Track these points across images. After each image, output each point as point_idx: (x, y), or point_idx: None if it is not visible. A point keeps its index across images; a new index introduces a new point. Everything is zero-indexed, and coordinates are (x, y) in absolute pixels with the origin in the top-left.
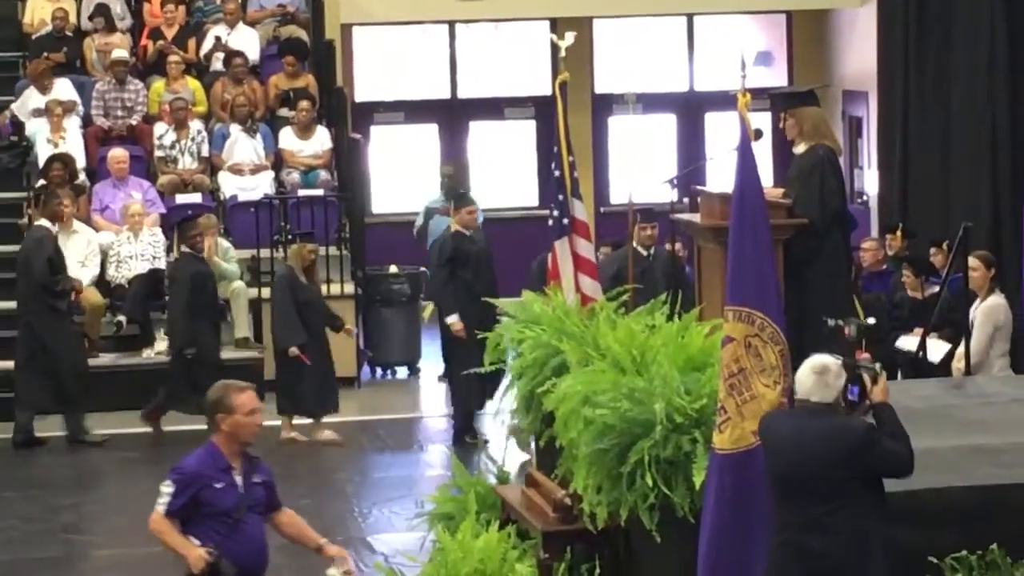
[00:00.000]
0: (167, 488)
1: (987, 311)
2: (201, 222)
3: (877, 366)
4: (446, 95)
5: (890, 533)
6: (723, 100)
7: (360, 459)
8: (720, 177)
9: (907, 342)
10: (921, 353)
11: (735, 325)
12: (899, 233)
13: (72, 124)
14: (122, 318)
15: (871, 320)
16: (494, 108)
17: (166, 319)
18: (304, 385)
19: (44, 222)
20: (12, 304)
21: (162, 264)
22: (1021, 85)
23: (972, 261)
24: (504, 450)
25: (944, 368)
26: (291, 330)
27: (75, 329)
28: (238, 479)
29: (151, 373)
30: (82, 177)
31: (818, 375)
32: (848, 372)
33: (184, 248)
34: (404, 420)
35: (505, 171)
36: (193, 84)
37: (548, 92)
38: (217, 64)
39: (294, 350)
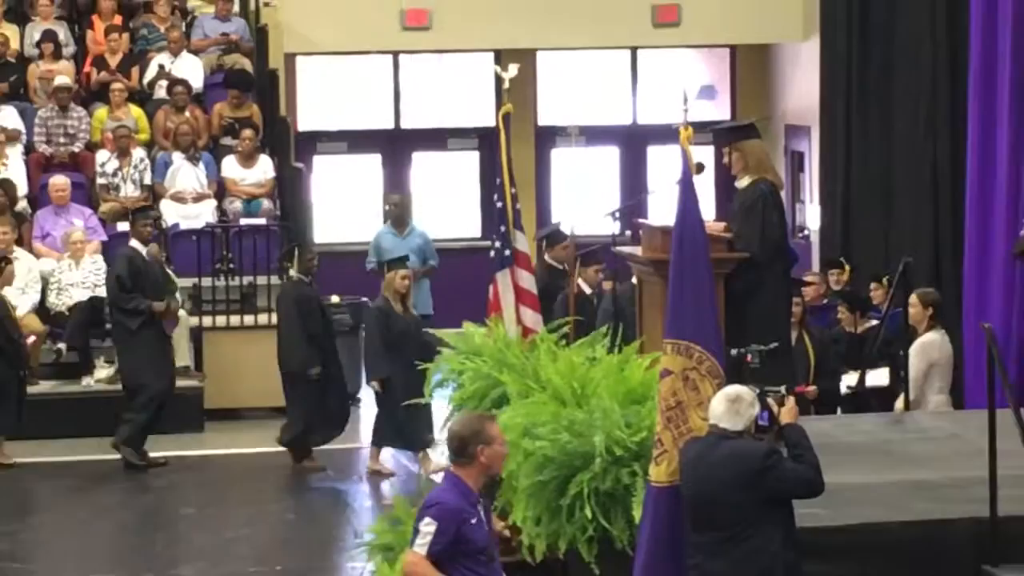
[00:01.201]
0: (429, 526)
1: (922, 347)
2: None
3: (782, 389)
4: (389, 125)
5: (795, 559)
6: (666, 133)
7: (299, 489)
8: (662, 210)
9: (848, 380)
10: (860, 388)
11: (673, 358)
12: (846, 267)
13: (14, 151)
14: (62, 346)
15: (773, 344)
16: (437, 139)
17: (279, 345)
18: (397, 416)
19: None
20: None
21: (103, 292)
22: (962, 120)
23: (911, 298)
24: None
25: (886, 395)
26: (376, 363)
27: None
28: (482, 513)
29: (90, 401)
30: (23, 204)
31: (730, 403)
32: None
33: (293, 273)
34: (344, 450)
35: (448, 202)
36: (136, 112)
37: (491, 123)
38: (160, 92)
39: (375, 384)
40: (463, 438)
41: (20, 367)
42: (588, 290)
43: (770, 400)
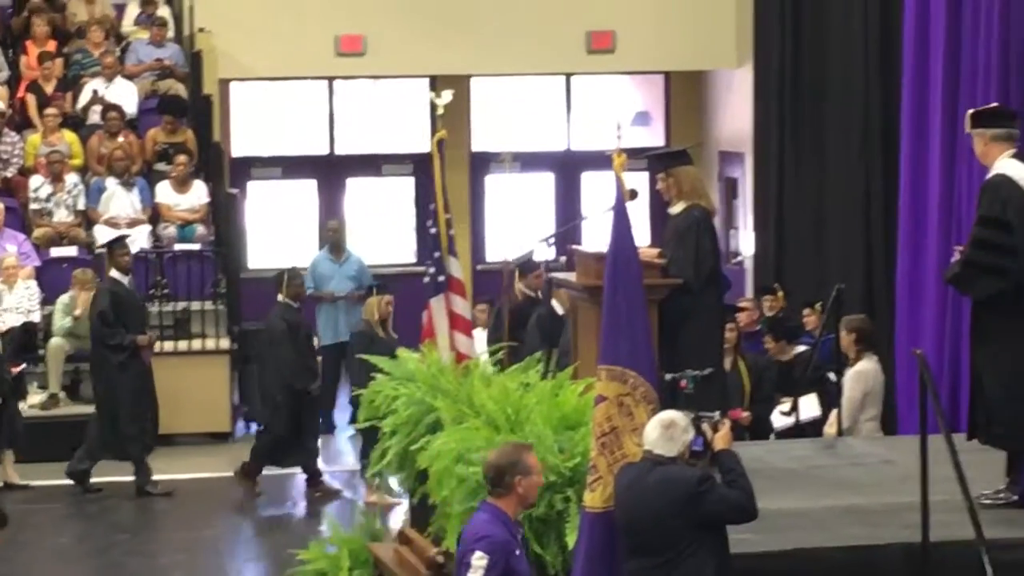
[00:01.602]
0: (481, 560)
1: (856, 376)
2: (76, 276)
3: (716, 415)
4: (324, 151)
5: None
6: (600, 159)
7: (235, 514)
8: (596, 236)
9: (781, 409)
10: (794, 415)
11: (608, 384)
12: (780, 294)
13: None
14: None
15: (707, 370)
16: (372, 165)
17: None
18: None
19: None
20: None
21: (36, 317)
22: (895, 147)
23: (843, 325)
24: (379, 507)
25: (817, 427)
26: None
27: None
28: (521, 544)
29: (24, 427)
30: None
31: (664, 428)
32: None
33: (280, 298)
34: (278, 475)
35: (382, 228)
36: (70, 137)
37: (426, 149)
38: (94, 117)
39: None
40: (501, 468)
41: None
42: (560, 311)
43: (704, 426)
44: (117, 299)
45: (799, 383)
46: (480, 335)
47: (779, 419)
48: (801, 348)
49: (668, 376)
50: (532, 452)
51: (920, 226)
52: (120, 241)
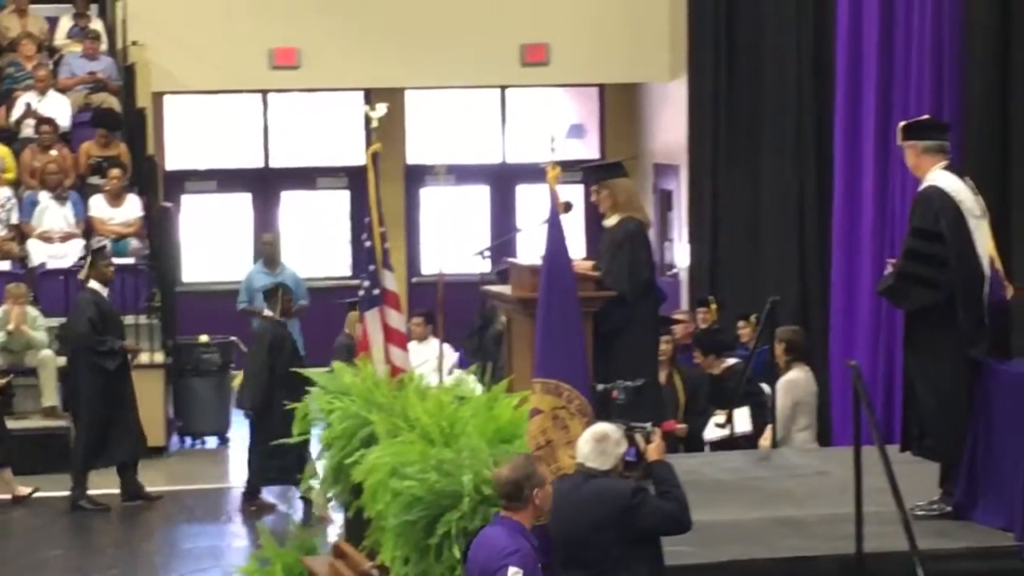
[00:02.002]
0: (518, 574)
1: (786, 386)
2: (10, 290)
3: (648, 425)
4: (259, 164)
5: None
6: (535, 172)
7: (168, 529)
8: (531, 249)
9: (716, 421)
10: (729, 427)
11: (543, 397)
12: (713, 307)
13: None
14: None
15: (640, 380)
16: (307, 178)
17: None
18: None
19: None
20: None
21: None
22: (828, 159)
23: (776, 336)
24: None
25: (751, 440)
26: None
27: None
28: None
29: None
30: None
31: (597, 442)
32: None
33: (267, 312)
34: (213, 490)
35: (317, 241)
36: (3, 151)
37: (361, 162)
38: (27, 131)
39: None
40: (517, 482)
41: None
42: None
43: (637, 437)
44: (101, 308)
45: (733, 396)
46: (415, 348)
47: (713, 431)
48: (733, 360)
49: (600, 387)
50: (542, 463)
51: (853, 238)
52: (102, 251)
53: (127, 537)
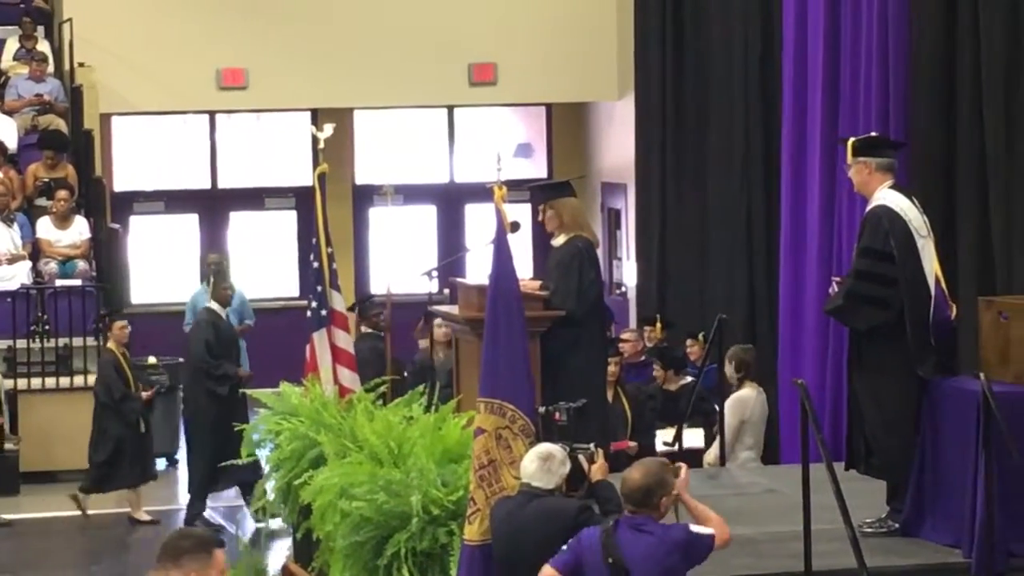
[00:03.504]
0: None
1: (734, 403)
2: None
3: (591, 446)
4: (206, 185)
5: None
6: (483, 192)
7: (116, 550)
8: (479, 268)
9: (664, 436)
10: (677, 445)
11: (486, 417)
12: (658, 325)
13: None
14: None
15: (581, 401)
16: (254, 198)
17: None
18: None
19: None
20: None
21: None
22: (776, 178)
23: (727, 355)
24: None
25: (699, 455)
26: None
27: None
28: None
29: None
30: None
31: (542, 461)
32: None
33: (364, 327)
34: (162, 511)
35: (265, 261)
36: None
37: (308, 183)
38: None
39: None
40: (650, 488)
41: None
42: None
43: (581, 457)
44: (217, 331)
45: (684, 413)
46: None
47: (661, 449)
48: (690, 379)
49: (542, 408)
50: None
51: (800, 256)
52: (222, 272)
53: (75, 558)
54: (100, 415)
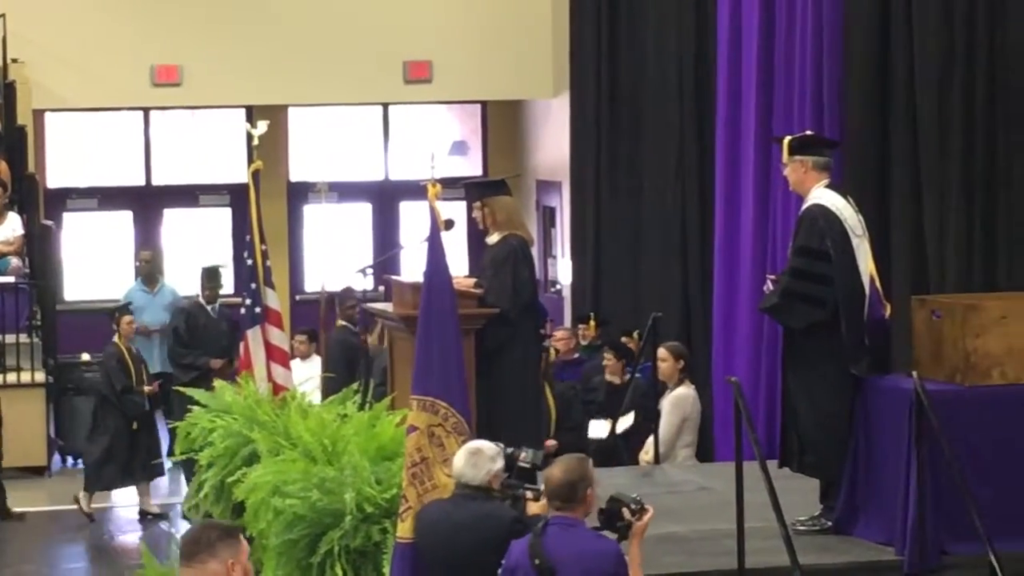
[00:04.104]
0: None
1: (675, 401)
2: None
3: (540, 487)
4: (140, 182)
5: None
6: (418, 189)
7: (50, 550)
8: (414, 266)
9: (598, 428)
10: (612, 435)
11: (419, 414)
12: (592, 322)
13: None
14: None
15: (542, 452)
16: (189, 195)
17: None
18: None
19: None
20: None
21: None
22: (710, 175)
23: (661, 351)
24: None
25: (632, 439)
26: None
27: None
28: None
29: None
30: None
31: (470, 455)
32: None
33: (341, 321)
34: (96, 510)
35: (199, 259)
36: None
37: (243, 180)
38: None
39: None
40: (574, 483)
41: None
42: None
43: (529, 495)
44: (190, 319)
45: (625, 409)
46: (298, 366)
47: (595, 430)
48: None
49: (509, 450)
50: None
51: (734, 254)
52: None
53: (13, 557)
54: (99, 408)
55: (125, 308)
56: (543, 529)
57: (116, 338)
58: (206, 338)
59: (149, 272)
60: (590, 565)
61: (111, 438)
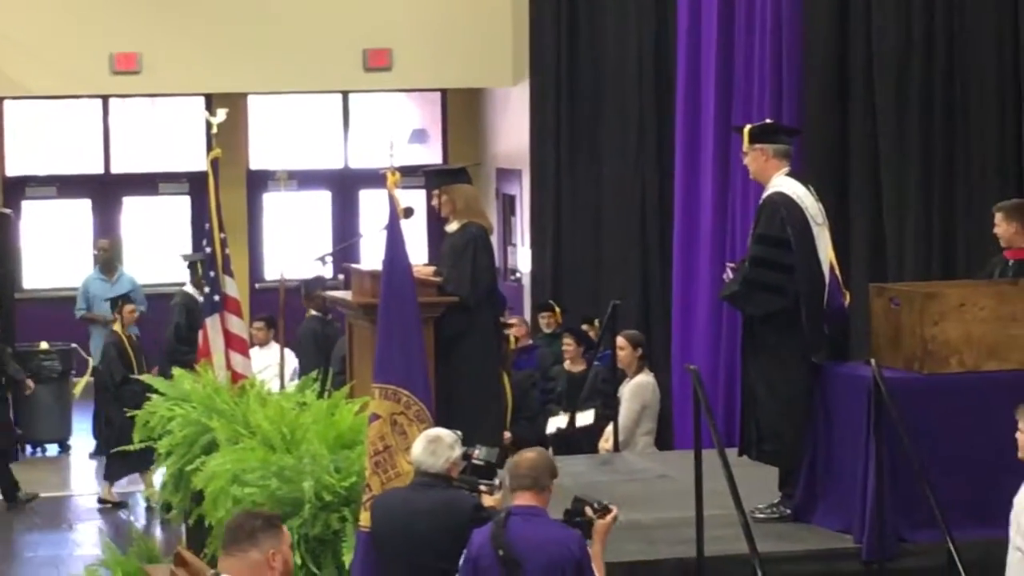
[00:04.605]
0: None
1: (635, 389)
2: None
3: (496, 482)
4: (99, 170)
5: None
6: (378, 177)
7: (8, 539)
8: (373, 254)
9: (557, 421)
10: (571, 428)
11: (381, 403)
12: (557, 310)
13: None
14: None
15: (495, 450)
16: (148, 183)
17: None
18: None
19: None
20: None
21: None
22: (669, 165)
23: (619, 340)
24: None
25: (592, 433)
26: None
27: None
28: None
29: None
30: None
31: (428, 442)
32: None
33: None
34: (54, 498)
35: (159, 247)
36: None
37: (202, 168)
38: None
39: None
40: (540, 472)
41: None
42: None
43: (482, 488)
44: (190, 313)
45: (584, 397)
46: (257, 354)
47: (554, 424)
48: (596, 363)
49: (463, 448)
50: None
51: (693, 243)
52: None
53: None
54: (101, 400)
55: (127, 296)
56: (505, 519)
57: (117, 326)
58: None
59: (107, 260)
60: (553, 551)
61: (118, 429)
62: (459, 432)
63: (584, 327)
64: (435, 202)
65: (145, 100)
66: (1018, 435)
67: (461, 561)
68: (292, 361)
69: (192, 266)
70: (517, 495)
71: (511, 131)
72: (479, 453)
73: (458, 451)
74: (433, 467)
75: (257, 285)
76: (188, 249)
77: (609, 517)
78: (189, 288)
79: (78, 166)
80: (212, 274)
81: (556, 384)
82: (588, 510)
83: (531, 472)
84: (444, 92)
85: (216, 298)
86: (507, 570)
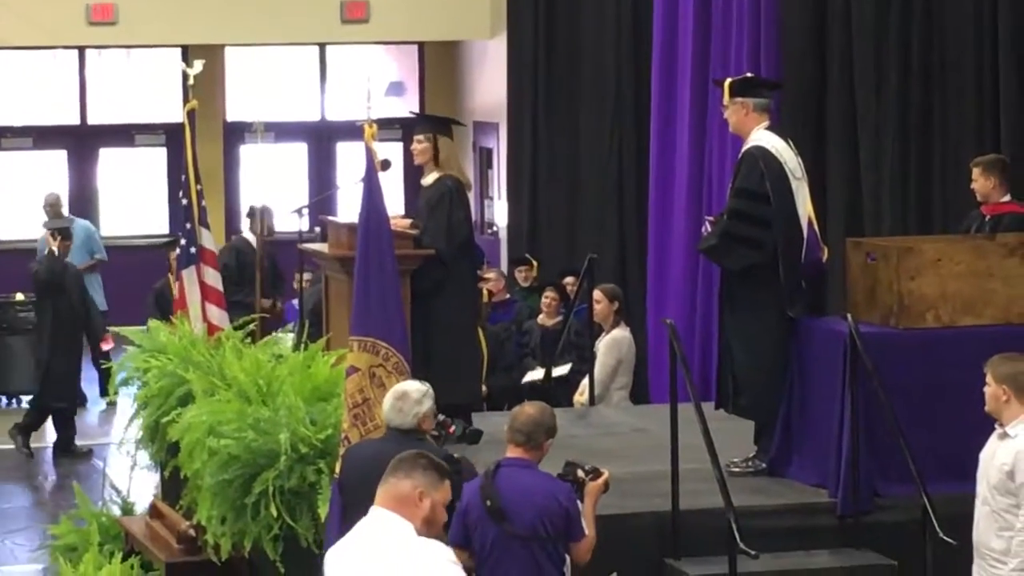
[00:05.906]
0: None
1: (611, 343)
2: None
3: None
4: (76, 121)
5: None
6: (354, 130)
7: None
8: (350, 207)
9: (534, 375)
10: (548, 381)
11: (360, 355)
12: (535, 264)
13: None
14: None
15: (473, 427)
16: (124, 135)
17: None
18: None
19: None
20: None
21: None
22: (646, 119)
23: (596, 293)
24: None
25: (569, 385)
26: None
27: None
28: None
29: None
30: None
31: (395, 399)
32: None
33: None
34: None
35: (135, 198)
36: None
37: (179, 119)
38: None
39: None
40: (540, 426)
41: None
42: None
43: (583, 472)
44: (240, 256)
45: (561, 350)
46: None
47: (531, 376)
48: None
49: (441, 417)
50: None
51: (669, 197)
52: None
53: None
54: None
55: (175, 242)
56: (494, 471)
57: (170, 274)
58: (254, 276)
59: (55, 215)
60: (540, 502)
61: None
62: (427, 384)
63: (569, 280)
64: (416, 147)
65: (121, 51)
66: (986, 389)
67: (453, 516)
68: None
69: (252, 214)
70: (510, 448)
71: (488, 84)
72: (455, 428)
73: (427, 404)
74: (403, 424)
75: (233, 237)
76: (165, 201)
77: (600, 480)
78: (247, 233)
79: (54, 117)
80: (188, 226)
81: (530, 338)
82: (580, 472)
83: (524, 428)
84: (421, 45)
85: (192, 250)
86: (495, 520)
